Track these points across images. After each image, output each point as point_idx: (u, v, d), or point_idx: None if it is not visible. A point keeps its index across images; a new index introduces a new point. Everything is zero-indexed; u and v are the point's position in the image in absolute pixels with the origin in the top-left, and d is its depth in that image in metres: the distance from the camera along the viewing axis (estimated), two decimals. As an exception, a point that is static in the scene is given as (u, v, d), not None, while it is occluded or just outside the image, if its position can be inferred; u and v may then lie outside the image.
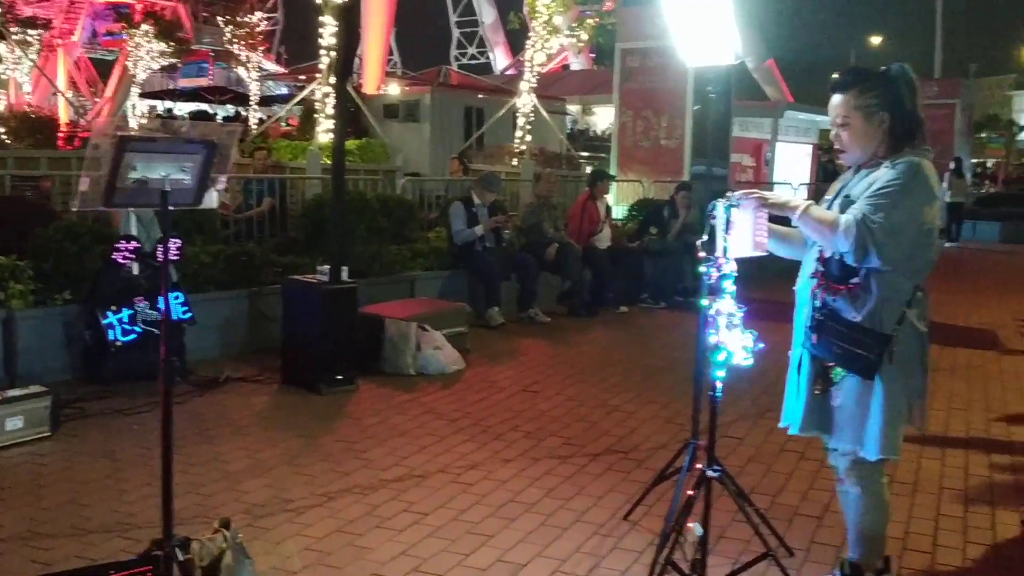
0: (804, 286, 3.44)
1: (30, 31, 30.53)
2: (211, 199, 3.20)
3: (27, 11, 34.27)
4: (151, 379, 6.12)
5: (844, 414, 3.34)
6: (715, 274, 3.54)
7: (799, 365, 3.45)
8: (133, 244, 6.34)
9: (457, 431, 5.71)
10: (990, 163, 49.36)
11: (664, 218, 11.21)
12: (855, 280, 3.24)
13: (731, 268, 3.53)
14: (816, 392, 3.39)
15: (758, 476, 5.05)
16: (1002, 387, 7.31)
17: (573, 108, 27.19)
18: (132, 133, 2.92)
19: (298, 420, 5.86)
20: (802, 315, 3.42)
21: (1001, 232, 21.81)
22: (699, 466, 3.85)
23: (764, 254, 3.54)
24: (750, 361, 3.54)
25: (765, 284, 7.39)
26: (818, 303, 3.33)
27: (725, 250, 3.50)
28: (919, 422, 3.43)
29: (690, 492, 3.76)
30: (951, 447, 5.72)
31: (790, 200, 3.31)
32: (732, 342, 3.53)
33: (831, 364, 3.35)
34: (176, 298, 6.51)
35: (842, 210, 3.25)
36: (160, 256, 3.05)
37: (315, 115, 16.04)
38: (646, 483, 4.64)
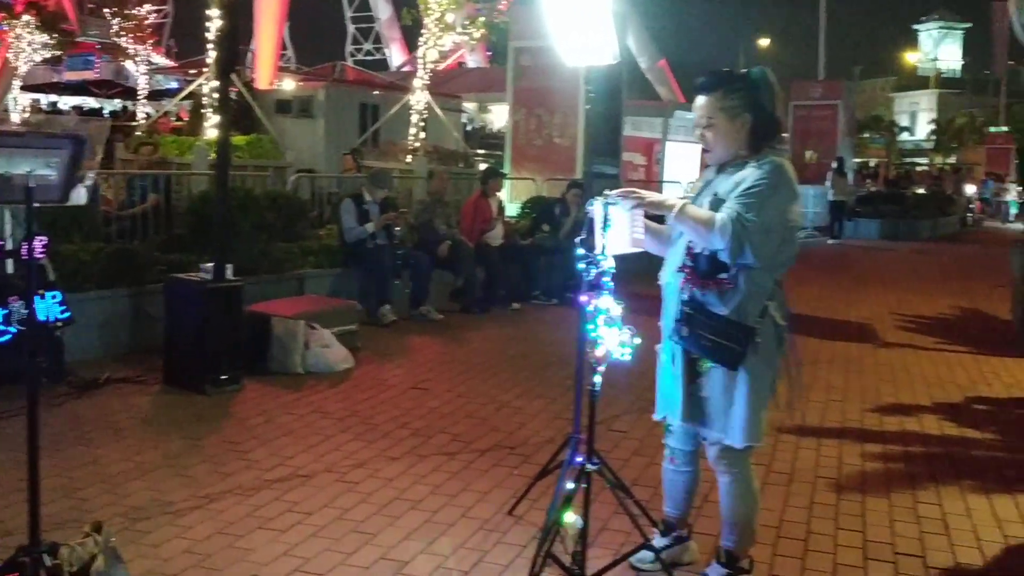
0: (671, 280, 3.54)
1: (-99, 20, 29.17)
2: (79, 196, 3.12)
3: (-102, -1, 32.77)
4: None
5: (711, 404, 3.47)
6: (594, 271, 3.60)
7: (672, 358, 3.54)
8: (-1, 243, 6.12)
9: (344, 430, 5.67)
10: (873, 162, 51.17)
11: (556, 216, 11.32)
12: (724, 275, 3.35)
13: (609, 265, 3.60)
14: (689, 383, 3.50)
15: (641, 468, 5.14)
16: (877, 378, 7.60)
17: (469, 106, 27.18)
18: (-8, 127, 2.83)
19: (181, 421, 5.74)
20: (670, 309, 3.52)
21: (880, 229, 22.62)
22: (580, 460, 3.92)
23: (641, 250, 3.62)
24: (628, 356, 3.62)
25: (648, 280, 7.52)
26: (686, 297, 3.42)
27: (603, 247, 3.57)
28: (782, 407, 3.63)
29: (570, 485, 3.82)
30: (826, 437, 5.92)
31: (666, 199, 3.40)
32: (610, 338, 3.60)
33: (697, 357, 3.46)
34: (53, 297, 6.30)
35: (713, 208, 3.35)
36: (25, 254, 2.94)
37: (203, 110, 15.70)
38: (532, 478, 4.69)
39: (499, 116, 31.63)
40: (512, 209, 13.13)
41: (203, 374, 6.28)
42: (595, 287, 3.60)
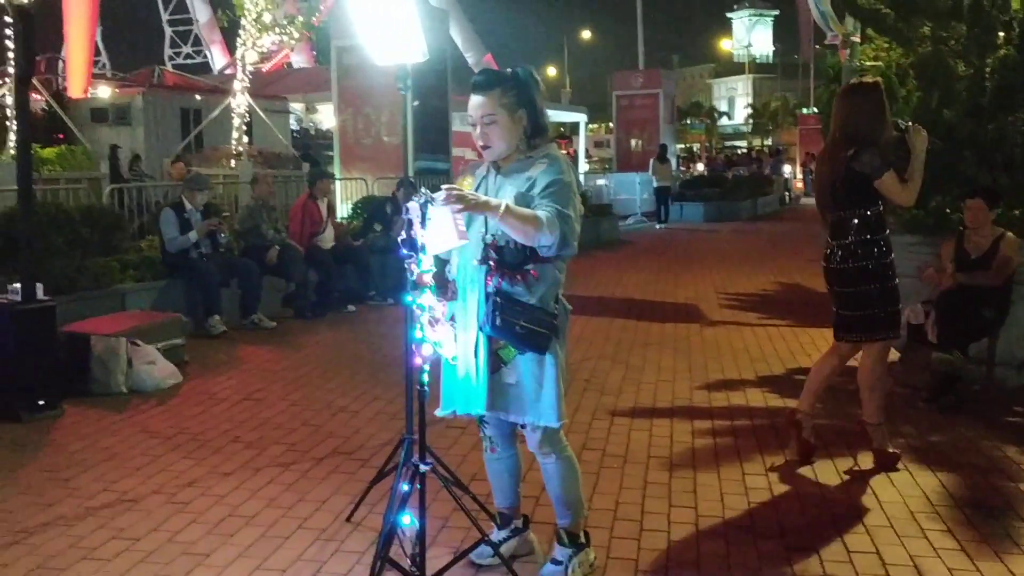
0: (468, 272, 3.58)
1: None
2: None
3: None
4: None
5: (521, 390, 3.55)
6: (415, 270, 3.58)
7: (476, 349, 3.57)
8: None
9: (173, 448, 5.47)
10: (696, 147, 53.06)
11: (388, 214, 11.24)
12: (530, 267, 3.45)
13: (429, 263, 3.59)
14: (492, 372, 3.55)
15: (480, 463, 5.08)
16: (704, 357, 7.86)
17: (297, 106, 26.67)
18: None
19: (-5, 453, 5.42)
20: (467, 300, 3.55)
21: (704, 212, 23.44)
22: (414, 460, 3.89)
23: (466, 241, 3.63)
24: (450, 353, 3.62)
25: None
26: (492, 289, 3.47)
27: (423, 246, 3.55)
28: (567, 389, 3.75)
29: (405, 487, 3.79)
30: (658, 417, 6.08)
31: (489, 200, 3.39)
32: (435, 336, 3.59)
33: (500, 346, 3.53)
34: None
35: (519, 206, 3.40)
36: None
37: (6, 122, 14.85)
38: (369, 482, 4.63)
39: (327, 116, 31.22)
40: (344, 210, 12.97)
41: (17, 401, 5.95)
42: (417, 286, 3.58)
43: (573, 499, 3.74)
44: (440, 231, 3.59)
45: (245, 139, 17.18)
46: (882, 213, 4.95)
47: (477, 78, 3.53)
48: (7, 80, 15.29)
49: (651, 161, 22.40)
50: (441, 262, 3.67)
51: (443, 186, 3.39)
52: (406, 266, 3.65)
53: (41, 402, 6.04)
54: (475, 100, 3.50)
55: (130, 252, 9.13)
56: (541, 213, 3.34)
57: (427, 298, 3.58)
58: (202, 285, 8.81)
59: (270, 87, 24.85)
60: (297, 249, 9.79)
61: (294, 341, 8.63)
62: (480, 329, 3.54)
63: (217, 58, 44.80)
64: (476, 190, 3.58)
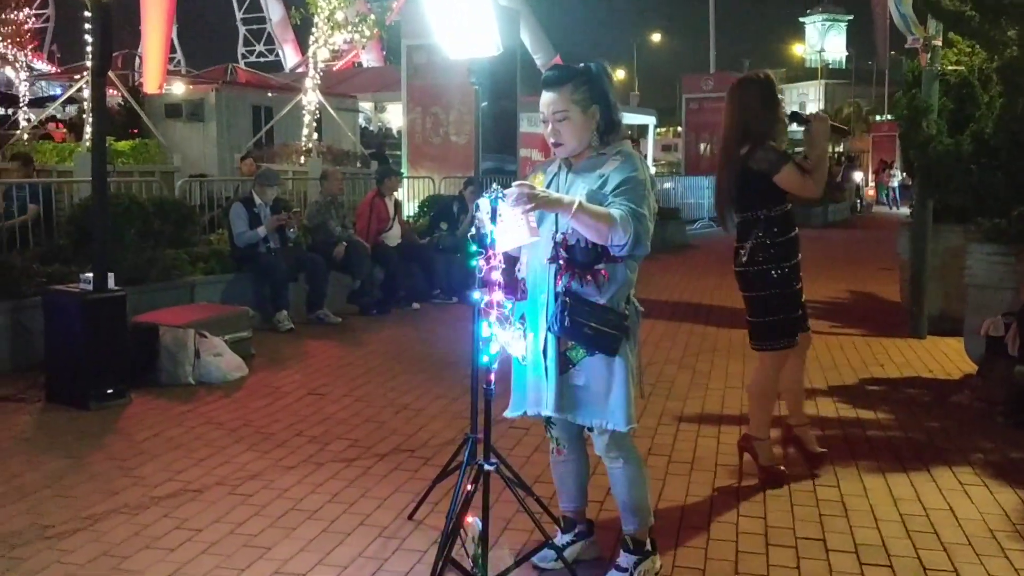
0: (538, 271, 3.50)
1: None
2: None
3: None
4: None
5: (589, 393, 3.46)
6: (485, 267, 3.52)
7: (544, 350, 3.49)
8: None
9: (237, 441, 5.49)
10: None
11: (454, 214, 11.23)
12: (601, 266, 3.36)
13: (499, 261, 3.53)
14: (560, 374, 3.47)
15: (543, 465, 5.04)
16: (774, 364, 7.68)
17: (366, 105, 26.88)
18: None
19: (64, 439, 5.48)
20: (538, 301, 3.48)
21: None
22: (478, 460, 3.84)
23: (537, 239, 3.56)
24: (521, 353, 3.56)
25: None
26: (560, 288, 3.39)
27: (493, 243, 3.50)
28: (643, 393, 3.64)
29: (469, 487, 3.74)
30: (726, 424, 5.95)
31: (561, 198, 3.32)
32: (503, 335, 3.53)
33: (569, 347, 3.44)
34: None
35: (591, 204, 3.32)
36: None
37: (84, 115, 15.16)
38: (431, 481, 4.59)
39: (395, 115, 31.41)
40: (410, 208, 13.00)
41: (87, 389, 6.01)
42: (487, 284, 3.52)
43: (640, 505, 3.65)
44: (511, 228, 3.53)
45: (315, 136, 17.32)
46: (789, 212, 4.78)
47: (549, 74, 3.45)
48: (86, 75, 15.60)
49: None
50: (511, 260, 3.60)
51: (514, 183, 3.32)
52: (475, 263, 3.61)
53: (109, 391, 6.10)
54: (546, 96, 3.42)
55: (200, 245, 9.23)
56: (614, 211, 3.26)
57: (496, 296, 3.52)
58: (270, 279, 8.87)
59: (340, 85, 25.07)
60: (364, 246, 9.81)
61: (359, 337, 8.65)
62: (548, 329, 3.47)
63: (289, 57, 45.43)
64: (547, 188, 3.50)
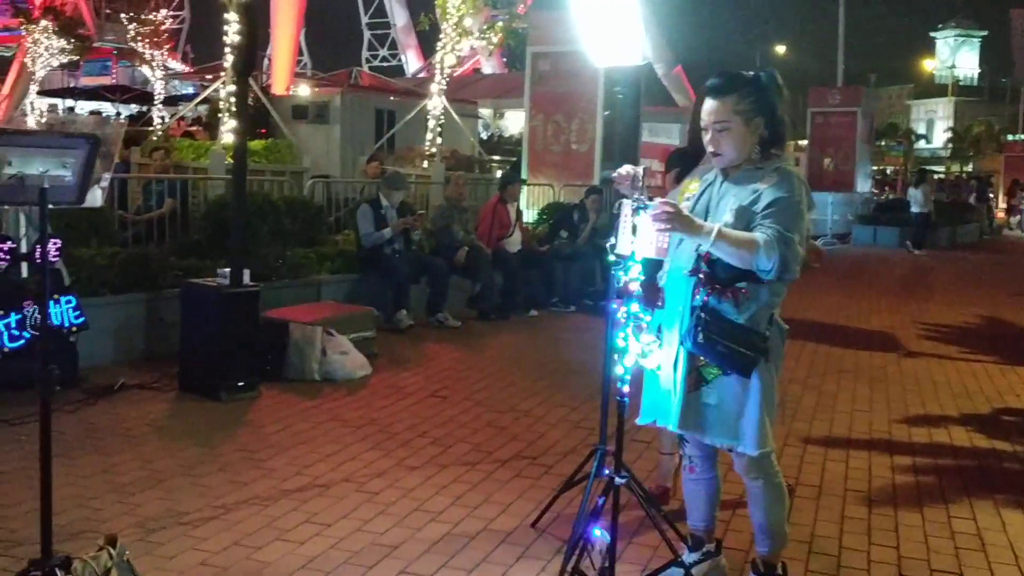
0: (677, 284, 3.43)
1: (-79, 25, 29.36)
2: (95, 197, 3.02)
3: (-81, 4, 33.01)
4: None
5: (720, 412, 3.39)
6: (623, 277, 3.50)
7: (675, 363, 3.43)
8: (8, 244, 6.02)
9: (362, 438, 5.57)
10: (889, 170, 50.89)
11: (574, 221, 11.22)
12: (742, 284, 3.27)
13: (638, 271, 3.50)
14: (689, 390, 3.42)
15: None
16: (903, 389, 7.44)
17: (485, 111, 27.12)
18: (7, 126, 2.73)
19: (196, 429, 5.65)
20: (675, 313, 3.42)
21: (900, 237, 22.39)
22: (607, 472, 3.81)
23: (663, 258, 3.52)
24: (654, 364, 3.52)
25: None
26: (698, 303, 3.32)
27: (632, 252, 3.47)
28: (778, 415, 3.55)
29: (598, 499, 3.72)
30: (855, 449, 5.78)
31: (701, 225, 3.22)
32: (638, 346, 3.49)
33: (703, 363, 3.37)
34: (68, 302, 6.23)
35: (739, 218, 3.23)
36: (39, 257, 2.84)
37: (219, 114, 15.65)
38: (554, 489, 4.58)
39: (514, 122, 31.59)
40: (530, 215, 13.03)
41: (219, 381, 6.19)
42: (624, 294, 3.50)
43: (776, 528, 3.56)
44: (647, 239, 3.50)
45: (439, 140, 17.52)
46: None
47: (714, 81, 3.35)
48: (221, 75, 16.09)
49: (921, 186, 21.52)
50: (653, 267, 3.55)
51: (658, 199, 3.27)
52: (612, 272, 3.59)
53: (240, 383, 6.27)
54: (708, 104, 3.33)
55: (327, 244, 9.42)
56: (759, 235, 3.15)
57: (634, 307, 3.49)
58: (393, 280, 9.00)
59: (461, 91, 25.30)
60: (485, 251, 9.87)
61: (478, 342, 8.70)
62: (681, 343, 3.41)
63: (411, 61, 46.17)
64: (700, 195, 3.42)
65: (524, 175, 14.36)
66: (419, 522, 4.34)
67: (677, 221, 3.16)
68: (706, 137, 3.38)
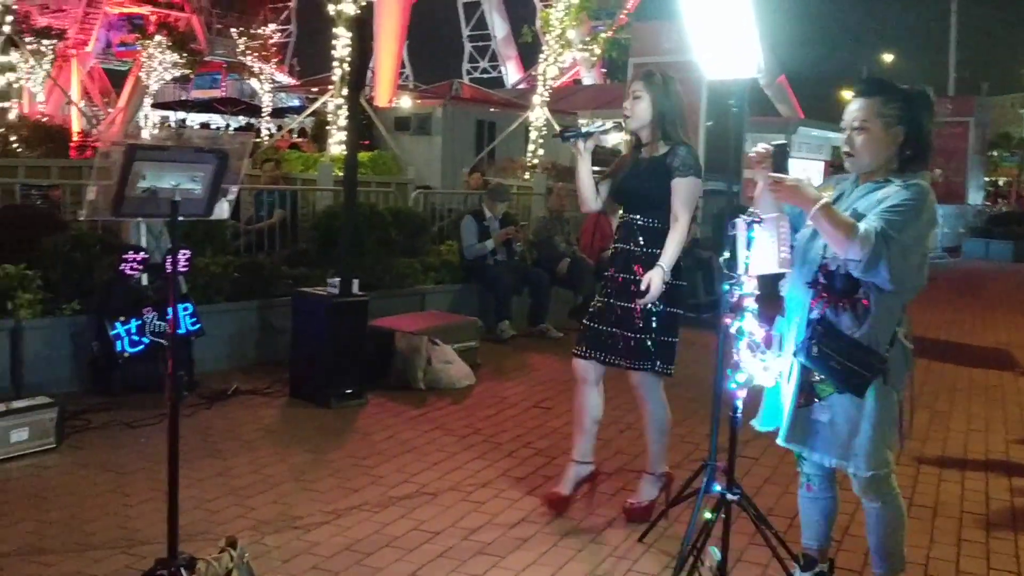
0: (797, 294, 3.38)
1: (44, 41, 30.69)
2: (222, 210, 3.13)
3: (42, 21, 34.53)
4: (158, 391, 6.07)
5: (832, 430, 3.32)
6: (736, 292, 3.47)
7: (789, 374, 3.38)
8: (141, 255, 6.27)
9: (467, 448, 5.62)
10: (1001, 181, 49.14)
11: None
12: (860, 295, 3.20)
13: (752, 286, 3.47)
14: (800, 405, 3.35)
15: (774, 498, 4.95)
16: (1020, 408, 7.19)
17: (584, 123, 27.12)
18: (143, 141, 2.85)
19: (306, 434, 5.78)
20: (791, 323, 3.36)
21: (1014, 251, 21.63)
22: (718, 488, 3.78)
23: (788, 270, 3.47)
24: (772, 382, 3.48)
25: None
26: (815, 315, 3.26)
27: (746, 267, 3.44)
28: (901, 442, 3.42)
29: (708, 515, 3.69)
30: (971, 470, 5.61)
31: (808, 193, 3.20)
32: (752, 362, 3.46)
33: (817, 379, 3.30)
34: (185, 309, 6.44)
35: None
36: (169, 267, 2.96)
37: (327, 127, 15.97)
38: (660, 504, 4.55)
39: (613, 133, 31.49)
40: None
41: (328, 388, 6.32)
42: (737, 309, 3.47)
43: (894, 550, 3.48)
44: (763, 253, 3.47)
45: (540, 152, 17.57)
46: None
47: (862, 82, 3.32)
48: (330, 88, 16.43)
49: None
50: (770, 281, 3.51)
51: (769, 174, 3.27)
52: (727, 287, 3.56)
53: (348, 391, 6.39)
54: (852, 104, 3.30)
55: (431, 255, 9.54)
56: (861, 225, 3.10)
57: (748, 322, 3.46)
58: (495, 291, 9.06)
59: (560, 102, 25.34)
60: (588, 262, 9.87)
61: (580, 353, 8.67)
62: (794, 354, 3.36)
63: (511, 73, 46.40)
64: (833, 202, 3.36)
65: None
66: (526, 532, 4.36)
67: (785, 188, 3.19)
68: (845, 136, 3.33)
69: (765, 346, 3.41)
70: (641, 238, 4.40)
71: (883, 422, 3.27)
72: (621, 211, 4.57)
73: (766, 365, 3.45)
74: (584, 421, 4.69)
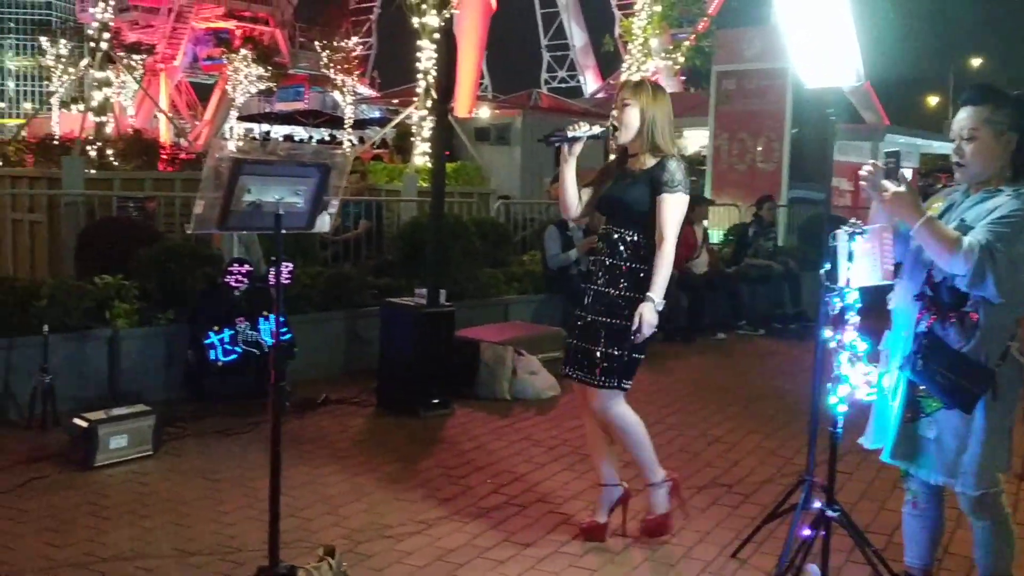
0: (905, 308, 3.30)
1: (134, 56, 31.64)
2: (323, 223, 3.17)
3: (132, 36, 35.62)
4: (250, 399, 6.20)
5: (939, 447, 3.24)
6: (838, 304, 3.41)
7: (895, 390, 3.30)
8: (246, 268, 6.39)
9: (555, 459, 5.60)
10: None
11: (748, 237, 11.01)
12: (968, 309, 3.12)
13: (853, 299, 3.41)
14: (906, 420, 3.27)
15: (871, 514, 4.83)
16: None
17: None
18: (249, 156, 2.90)
19: (395, 444, 5.82)
20: (899, 338, 3.28)
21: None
22: (817, 505, 3.71)
23: (891, 282, 3.40)
24: (874, 396, 3.41)
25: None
26: (922, 328, 3.17)
27: (847, 280, 3.38)
28: (1008, 462, 3.31)
29: (807, 532, 3.62)
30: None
31: (914, 205, 3.13)
32: (854, 376, 3.40)
33: (923, 394, 3.22)
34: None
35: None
36: (272, 280, 3.01)
37: (412, 138, 16.12)
38: (753, 518, 4.50)
39: (693, 141, 31.22)
40: (715, 236, 12.86)
41: (416, 398, 6.36)
42: (839, 322, 3.41)
43: (1003, 571, 3.37)
44: (865, 265, 3.40)
45: (620, 161, 17.49)
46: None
47: (969, 90, 3.25)
48: (414, 99, 16.59)
49: None
50: (871, 294, 3.44)
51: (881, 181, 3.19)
52: (824, 298, 3.51)
53: (435, 400, 6.43)
54: (961, 113, 3.22)
55: (514, 265, 9.55)
56: (966, 238, 3.02)
57: (848, 335, 3.40)
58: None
59: (641, 111, 25.19)
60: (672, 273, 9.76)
61: (665, 364, 8.61)
62: (900, 368, 3.29)
63: (589, 82, 46.43)
64: (941, 216, 3.28)
65: (707, 195, 14.19)
66: (617, 546, 4.33)
67: (889, 200, 3.12)
68: (955, 146, 3.26)
69: (875, 363, 3.34)
70: (625, 252, 4.20)
71: (993, 439, 3.18)
72: (604, 222, 4.36)
73: (868, 379, 3.38)
74: (595, 442, 4.52)
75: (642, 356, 4.28)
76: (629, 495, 4.50)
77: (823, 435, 3.76)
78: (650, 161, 4.16)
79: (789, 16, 3.76)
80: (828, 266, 3.46)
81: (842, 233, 3.35)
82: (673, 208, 4.08)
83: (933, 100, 49.89)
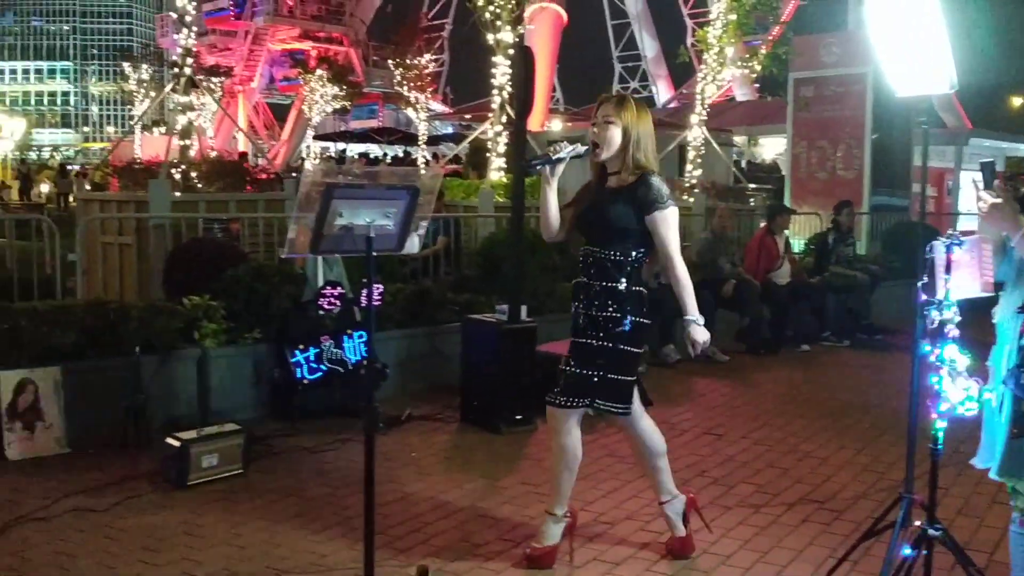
0: (1008, 321, 3.19)
1: (213, 79, 32.40)
2: (412, 244, 3.19)
3: (210, 60, 36.49)
4: (335, 416, 6.26)
5: None
6: (936, 317, 3.33)
7: (1000, 405, 3.20)
8: (338, 290, 6.48)
9: (641, 475, 5.50)
10: None
11: (828, 246, 10.81)
12: None
13: (953, 312, 3.32)
14: (1013, 436, 3.15)
15: (970, 531, 4.69)
16: None
17: (738, 139, 26.67)
18: (340, 180, 2.93)
19: (479, 460, 5.83)
20: (1003, 351, 3.17)
21: None
22: (917, 523, 3.61)
23: (990, 294, 3.30)
24: (975, 411, 3.31)
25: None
26: None
27: (947, 292, 3.29)
28: None
29: (908, 551, 3.52)
30: None
31: (1012, 214, 3.03)
32: (954, 391, 3.31)
33: None
34: (360, 337, 6.62)
35: None
36: (364, 301, 3.03)
37: (487, 153, 16.20)
38: (847, 536, 4.41)
39: (769, 149, 30.87)
40: (796, 245, 12.67)
41: (498, 413, 6.37)
42: (938, 335, 3.32)
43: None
44: (964, 276, 3.31)
45: (698, 172, 17.37)
46: None
47: None
48: (489, 115, 16.67)
49: None
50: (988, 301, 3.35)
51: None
52: (924, 313, 3.42)
53: (518, 416, 6.42)
54: None
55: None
56: None
57: (950, 350, 3.31)
58: (659, 314, 8.93)
59: (714, 119, 25.02)
60: (753, 284, 9.65)
61: (748, 377, 8.50)
62: (1003, 383, 3.18)
63: (662, 92, 46.19)
64: None
65: (787, 203, 13.98)
66: (708, 565, 4.27)
67: (987, 211, 3.03)
68: None
69: (981, 379, 3.24)
70: (607, 272, 4.10)
71: None
72: (584, 243, 4.26)
73: (968, 393, 3.28)
74: (649, 459, 4.48)
75: (631, 378, 4.34)
76: (694, 498, 4.52)
77: (929, 454, 3.66)
78: (631, 178, 4.12)
79: (880, 24, 3.68)
80: (925, 278, 3.37)
81: (939, 244, 3.27)
82: (670, 224, 4.08)
83: (1017, 101, 48.59)
